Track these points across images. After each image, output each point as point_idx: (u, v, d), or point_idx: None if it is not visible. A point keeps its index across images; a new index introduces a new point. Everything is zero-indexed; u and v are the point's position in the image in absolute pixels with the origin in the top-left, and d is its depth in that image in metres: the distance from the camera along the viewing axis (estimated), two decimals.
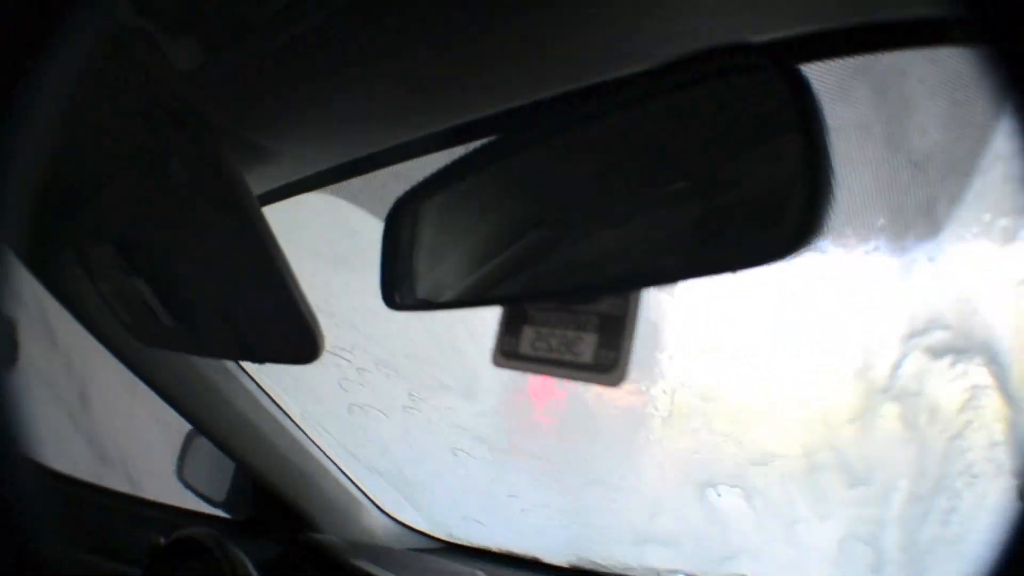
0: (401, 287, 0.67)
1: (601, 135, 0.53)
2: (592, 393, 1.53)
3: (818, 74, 0.61)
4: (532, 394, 1.60)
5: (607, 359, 0.58)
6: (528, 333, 0.62)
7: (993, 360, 1.11)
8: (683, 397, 1.45)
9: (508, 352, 0.63)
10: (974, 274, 1.04)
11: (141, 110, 0.74)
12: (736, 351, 1.40)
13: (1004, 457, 1.14)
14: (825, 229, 0.40)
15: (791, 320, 1.30)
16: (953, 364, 1.15)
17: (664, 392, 1.45)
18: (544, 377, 1.56)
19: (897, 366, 1.21)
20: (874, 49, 0.57)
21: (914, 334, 1.16)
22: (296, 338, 0.75)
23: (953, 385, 1.16)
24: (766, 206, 0.43)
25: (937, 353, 1.16)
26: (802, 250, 0.40)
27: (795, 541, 1.36)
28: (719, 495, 1.39)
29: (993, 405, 1.13)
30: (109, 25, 0.57)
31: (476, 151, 0.59)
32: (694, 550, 1.40)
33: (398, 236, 0.66)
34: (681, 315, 1.40)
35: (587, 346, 0.58)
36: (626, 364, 0.57)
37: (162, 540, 1.32)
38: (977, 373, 1.13)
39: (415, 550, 1.38)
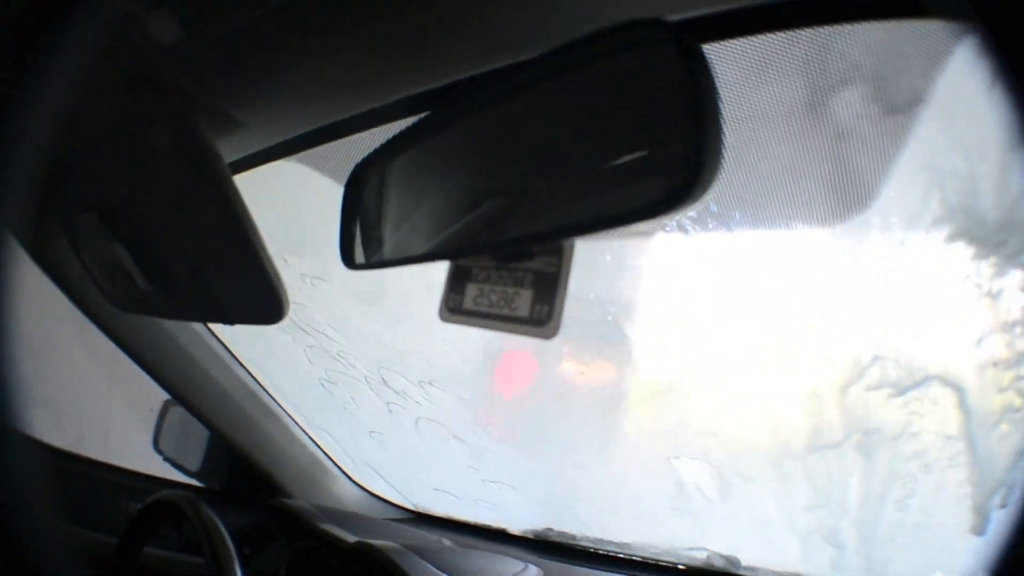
0: (358, 247, 0.75)
1: (535, 104, 0.60)
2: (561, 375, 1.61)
3: (744, 50, 0.69)
4: (500, 376, 1.67)
5: (542, 313, 0.65)
6: (471, 290, 0.69)
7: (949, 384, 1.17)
8: (647, 381, 1.52)
9: (453, 308, 0.71)
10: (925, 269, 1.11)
11: (124, 83, 0.81)
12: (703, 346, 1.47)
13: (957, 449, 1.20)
14: (708, 187, 0.48)
15: (749, 310, 1.37)
16: (902, 393, 1.21)
17: (635, 379, 1.53)
18: (514, 361, 1.64)
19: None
20: (789, 26, 0.65)
21: (862, 367, 1.23)
22: (264, 300, 0.83)
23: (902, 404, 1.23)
24: (661, 166, 0.50)
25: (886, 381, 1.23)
26: (684, 207, 0.48)
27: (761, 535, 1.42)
28: (682, 472, 1.46)
29: (945, 397, 1.19)
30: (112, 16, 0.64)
31: (424, 120, 0.67)
32: (656, 528, 1.47)
33: (356, 199, 0.74)
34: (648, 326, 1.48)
35: (524, 301, 0.66)
36: (559, 317, 0.65)
37: (139, 507, 1.38)
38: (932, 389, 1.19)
39: (384, 519, 1.45)
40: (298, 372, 1.57)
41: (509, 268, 0.66)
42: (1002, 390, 1.11)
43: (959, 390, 1.15)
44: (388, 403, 1.56)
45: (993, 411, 1.12)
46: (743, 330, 1.40)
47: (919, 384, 1.19)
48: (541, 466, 1.56)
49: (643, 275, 1.47)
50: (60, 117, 0.36)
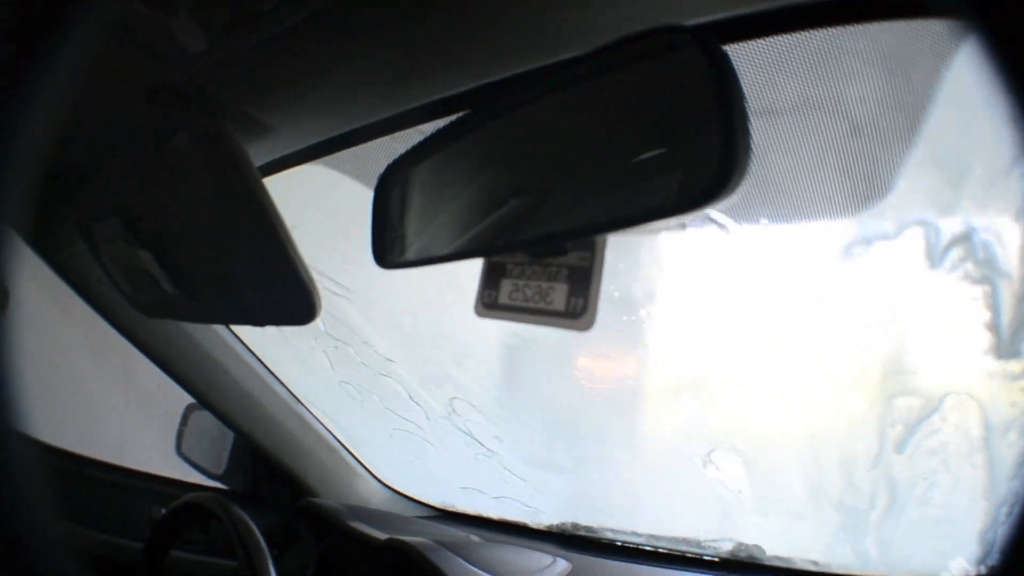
0: (390, 247, 0.80)
1: (562, 106, 0.65)
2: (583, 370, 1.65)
3: (762, 50, 0.74)
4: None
5: (577, 306, 0.70)
6: (506, 286, 0.75)
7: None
8: (670, 377, 1.57)
9: (489, 303, 0.76)
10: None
11: (147, 89, 0.86)
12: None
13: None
14: (739, 183, 0.53)
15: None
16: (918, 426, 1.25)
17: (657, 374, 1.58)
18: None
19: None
20: (806, 26, 0.70)
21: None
22: (295, 301, 0.88)
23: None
24: (693, 164, 0.55)
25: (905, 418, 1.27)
26: (716, 202, 0.53)
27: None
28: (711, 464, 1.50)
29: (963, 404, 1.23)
30: (115, 13, 0.68)
31: (453, 123, 0.72)
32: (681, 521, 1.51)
33: (387, 200, 0.79)
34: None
35: (559, 295, 0.71)
36: (594, 310, 0.70)
37: (163, 511, 1.43)
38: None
39: (411, 516, 1.50)
40: (321, 373, 1.63)
41: (543, 263, 0.71)
42: (1012, 404, 1.16)
43: (976, 401, 1.20)
44: (410, 395, 1.61)
45: (1003, 422, 1.16)
46: (761, 324, 1.44)
47: (936, 409, 1.24)
48: (564, 461, 1.61)
49: (667, 270, 1.51)
50: (60, 116, 0.38)
